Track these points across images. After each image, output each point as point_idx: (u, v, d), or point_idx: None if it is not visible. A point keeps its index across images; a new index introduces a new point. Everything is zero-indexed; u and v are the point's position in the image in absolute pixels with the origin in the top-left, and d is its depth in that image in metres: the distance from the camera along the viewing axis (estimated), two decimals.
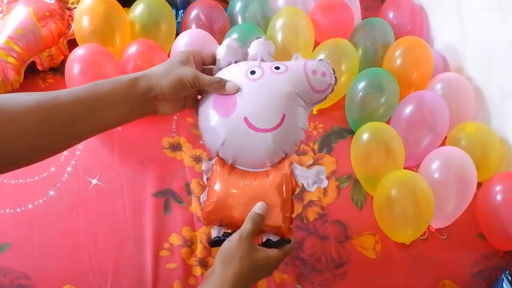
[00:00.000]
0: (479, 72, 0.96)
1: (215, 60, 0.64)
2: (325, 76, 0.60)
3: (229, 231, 0.62)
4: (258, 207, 0.58)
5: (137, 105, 0.58)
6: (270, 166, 0.60)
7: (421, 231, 0.78)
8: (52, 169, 0.80)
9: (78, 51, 0.82)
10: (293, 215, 0.62)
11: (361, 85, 0.90)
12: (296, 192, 0.63)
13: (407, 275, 0.76)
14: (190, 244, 0.74)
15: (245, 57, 0.63)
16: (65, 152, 0.82)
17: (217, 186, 0.60)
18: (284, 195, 0.59)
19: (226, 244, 0.57)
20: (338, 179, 0.86)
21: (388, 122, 0.89)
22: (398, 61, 0.95)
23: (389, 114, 0.91)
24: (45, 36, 0.89)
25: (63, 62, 0.87)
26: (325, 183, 0.60)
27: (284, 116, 0.58)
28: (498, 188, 0.79)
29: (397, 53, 0.95)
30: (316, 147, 0.90)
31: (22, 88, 0.88)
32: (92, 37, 0.88)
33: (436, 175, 0.79)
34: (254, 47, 0.63)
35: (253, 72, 0.60)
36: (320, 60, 0.62)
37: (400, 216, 0.76)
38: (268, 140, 0.58)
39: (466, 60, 1.00)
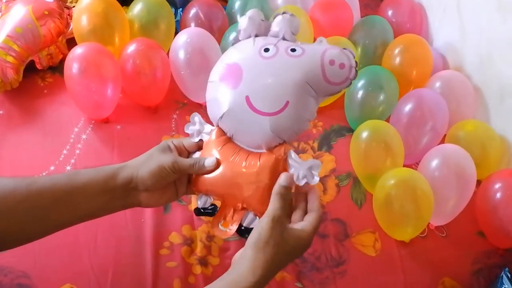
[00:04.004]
0: (478, 70, 0.96)
1: (200, 147, 0.63)
2: (343, 68, 0.56)
3: (215, 202, 0.62)
4: (282, 179, 0.55)
5: (116, 196, 0.58)
6: (266, 150, 0.58)
7: (421, 229, 0.78)
8: (52, 168, 0.80)
9: (77, 50, 0.82)
10: None
11: (361, 83, 0.89)
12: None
13: (407, 273, 0.76)
14: (190, 242, 0.74)
15: (267, 31, 0.61)
16: (64, 151, 0.82)
17: (207, 155, 0.60)
18: (269, 179, 0.56)
19: (258, 228, 0.53)
20: (337, 177, 0.86)
21: (387, 120, 0.89)
22: (397, 59, 0.95)
23: (388, 112, 0.91)
24: (44, 35, 0.89)
25: (62, 61, 0.86)
26: (315, 180, 0.56)
27: (287, 103, 0.56)
28: (497, 186, 0.79)
29: (396, 51, 0.95)
30: (315, 145, 0.90)
31: (21, 87, 0.88)
32: (91, 36, 0.88)
33: (435, 173, 0.79)
34: (277, 24, 0.60)
35: (266, 50, 0.58)
36: (344, 49, 0.57)
37: (400, 214, 0.76)
38: (265, 125, 0.56)
39: (465, 58, 1.00)
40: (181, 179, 0.63)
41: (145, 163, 0.59)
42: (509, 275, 0.73)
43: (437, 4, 1.09)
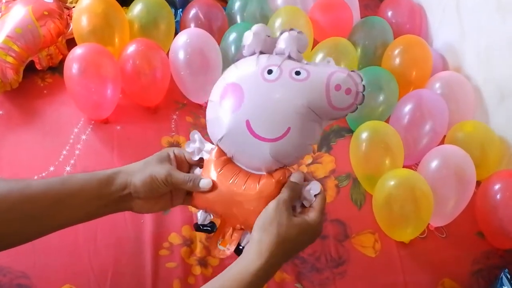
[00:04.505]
0: (478, 70, 0.96)
1: (201, 160, 0.62)
2: (349, 93, 0.54)
3: (214, 220, 0.62)
4: (293, 177, 0.56)
5: (111, 201, 0.58)
6: (266, 173, 0.57)
7: (421, 230, 0.78)
8: (51, 168, 0.80)
9: (77, 51, 0.82)
10: None
11: None
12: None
13: (407, 273, 0.76)
14: (189, 243, 0.74)
15: (272, 47, 0.58)
16: (64, 151, 0.82)
17: (206, 176, 0.59)
18: (267, 204, 0.55)
19: (264, 212, 0.54)
20: (337, 178, 0.86)
21: (387, 121, 0.89)
22: (397, 60, 0.95)
23: (388, 113, 0.91)
24: (44, 35, 0.89)
25: (62, 62, 0.86)
26: (312, 200, 0.57)
27: (288, 129, 0.54)
28: (497, 186, 0.79)
29: (396, 51, 0.95)
30: (315, 146, 0.90)
31: (21, 87, 0.88)
32: (90, 37, 0.88)
33: (435, 174, 0.79)
34: (284, 41, 0.57)
35: (270, 72, 0.56)
36: (352, 71, 0.55)
37: (400, 215, 0.76)
38: (265, 150, 0.55)
39: (465, 59, 1.00)
40: (178, 191, 0.62)
41: (140, 171, 0.58)
42: (509, 276, 0.73)
43: (437, 5, 1.09)
